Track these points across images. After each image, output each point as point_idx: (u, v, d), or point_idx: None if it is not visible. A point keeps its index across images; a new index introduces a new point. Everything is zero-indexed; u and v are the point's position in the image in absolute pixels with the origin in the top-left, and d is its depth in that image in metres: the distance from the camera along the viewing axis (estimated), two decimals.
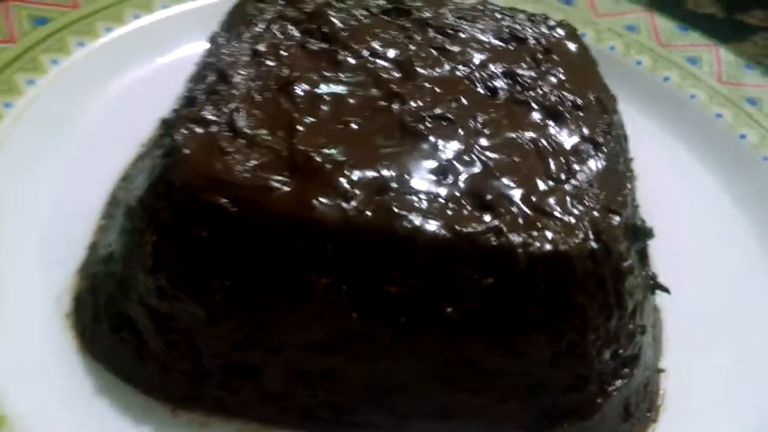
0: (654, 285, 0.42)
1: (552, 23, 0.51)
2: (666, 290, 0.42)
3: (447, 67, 0.45)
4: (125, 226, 0.38)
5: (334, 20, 0.46)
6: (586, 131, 0.42)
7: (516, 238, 0.35)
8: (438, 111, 0.41)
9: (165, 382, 0.38)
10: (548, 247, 0.35)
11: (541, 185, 0.38)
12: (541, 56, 0.47)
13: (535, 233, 0.35)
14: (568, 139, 0.41)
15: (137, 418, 0.37)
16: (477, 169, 0.38)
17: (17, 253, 0.44)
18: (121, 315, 0.38)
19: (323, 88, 0.41)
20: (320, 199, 0.35)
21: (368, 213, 0.35)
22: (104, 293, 0.39)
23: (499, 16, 0.50)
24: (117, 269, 0.38)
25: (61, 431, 0.36)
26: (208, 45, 0.49)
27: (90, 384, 0.38)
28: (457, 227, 0.35)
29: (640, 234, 0.40)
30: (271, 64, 0.42)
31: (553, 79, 0.45)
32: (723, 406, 0.42)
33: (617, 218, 0.37)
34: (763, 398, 0.43)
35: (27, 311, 0.41)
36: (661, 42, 0.68)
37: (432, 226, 0.35)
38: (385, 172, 0.37)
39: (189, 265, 0.35)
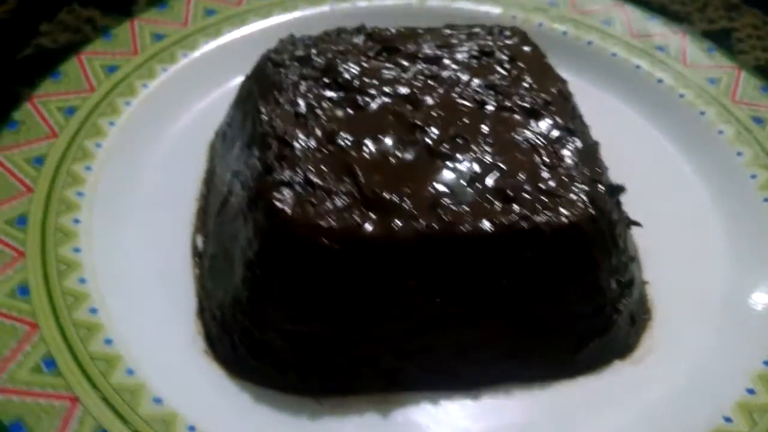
0: (629, 222, 0.56)
1: (507, 33, 0.63)
2: (638, 224, 0.57)
3: (441, 91, 0.57)
4: (246, 275, 0.49)
5: (343, 71, 0.57)
6: (560, 121, 0.55)
7: (540, 219, 0.48)
8: (452, 132, 0.53)
9: (305, 382, 0.50)
10: (564, 220, 0.48)
11: (543, 173, 0.51)
12: (508, 66, 0.59)
13: (551, 213, 0.48)
14: (549, 132, 0.54)
15: (291, 410, 0.49)
16: (494, 171, 0.51)
17: (140, 309, 0.54)
18: (257, 342, 0.49)
19: (361, 133, 0.53)
20: (396, 222, 0.47)
21: (434, 225, 0.47)
22: (237, 329, 0.50)
23: (464, 37, 0.62)
24: (247, 309, 0.49)
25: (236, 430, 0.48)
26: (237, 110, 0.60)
27: (246, 396, 0.49)
28: (496, 221, 0.48)
29: (615, 191, 0.53)
30: (313, 123, 0.53)
31: (524, 84, 0.58)
32: (695, 302, 0.57)
33: (601, 186, 0.51)
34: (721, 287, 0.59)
35: (172, 353, 0.51)
36: (578, 10, 0.82)
37: (480, 223, 0.47)
38: (432, 190, 0.49)
39: (311, 295, 0.47)
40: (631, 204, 0.58)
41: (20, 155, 0.60)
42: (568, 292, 0.50)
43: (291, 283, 0.47)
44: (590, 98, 0.75)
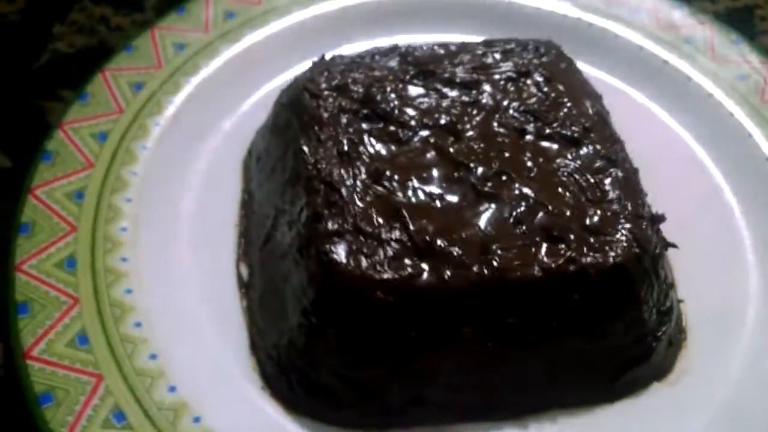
0: (665, 244, 0.58)
1: (542, 49, 0.62)
2: (674, 246, 0.58)
3: (481, 119, 0.57)
4: (302, 323, 0.50)
5: (382, 100, 0.57)
6: (600, 149, 0.55)
7: (586, 261, 0.49)
8: (495, 168, 0.53)
9: (362, 418, 0.52)
10: (609, 260, 0.49)
11: (586, 209, 0.52)
12: (546, 87, 0.59)
13: (597, 254, 0.49)
14: (590, 163, 0.54)
15: None
16: (539, 210, 0.51)
17: (194, 348, 0.55)
18: (314, 383, 0.51)
19: (406, 172, 0.53)
20: (448, 272, 0.48)
21: (484, 272, 0.48)
22: (294, 371, 0.52)
23: (499, 56, 0.61)
24: (304, 354, 0.51)
25: None
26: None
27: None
28: (545, 265, 0.49)
29: (656, 220, 0.54)
30: (357, 162, 0.53)
31: (563, 108, 0.58)
32: (727, 318, 0.59)
33: (644, 222, 0.52)
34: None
35: (233, 394, 0.53)
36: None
37: (529, 269, 0.49)
38: (480, 233, 0.50)
39: (367, 343, 0.49)
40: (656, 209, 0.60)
41: (60, 190, 0.60)
42: (612, 327, 0.51)
43: (347, 332, 0.49)
44: (617, 96, 0.75)
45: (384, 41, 0.77)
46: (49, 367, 0.50)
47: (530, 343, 0.50)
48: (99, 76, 0.69)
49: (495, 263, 0.48)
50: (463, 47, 0.62)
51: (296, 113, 0.58)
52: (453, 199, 0.52)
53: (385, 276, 0.48)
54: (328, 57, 0.63)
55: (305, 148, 0.54)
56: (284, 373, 0.52)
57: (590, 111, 0.58)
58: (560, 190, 0.53)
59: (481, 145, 0.55)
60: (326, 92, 0.58)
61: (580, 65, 0.75)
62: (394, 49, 0.62)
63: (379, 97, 0.57)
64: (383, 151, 0.54)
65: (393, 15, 0.79)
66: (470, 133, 0.56)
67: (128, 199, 0.62)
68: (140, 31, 0.74)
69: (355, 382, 0.50)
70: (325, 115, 0.56)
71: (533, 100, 0.58)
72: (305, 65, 0.74)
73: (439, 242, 0.49)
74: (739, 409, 0.54)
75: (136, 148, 0.65)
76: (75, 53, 0.80)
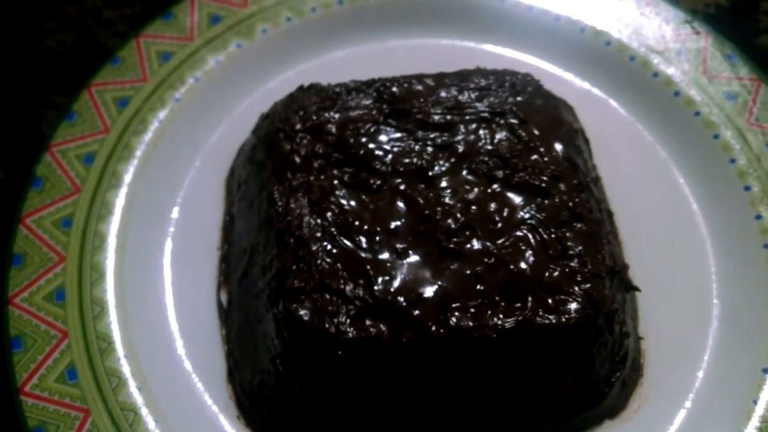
0: (628, 287, 0.59)
1: (518, 86, 0.62)
2: (637, 289, 0.60)
3: (451, 165, 0.58)
4: (271, 369, 0.54)
5: (355, 145, 0.58)
6: (566, 200, 0.56)
7: (541, 321, 0.51)
8: (461, 220, 0.55)
9: None
10: (563, 320, 0.52)
11: (547, 266, 0.53)
12: (519, 130, 0.59)
13: (551, 315, 0.52)
14: (555, 215, 0.56)
15: None
16: (500, 268, 0.53)
17: (175, 378, 0.59)
18: (286, 419, 0.56)
19: (374, 224, 0.55)
20: (406, 333, 0.51)
21: (441, 331, 0.51)
22: (267, 408, 0.56)
23: (475, 94, 0.61)
24: (273, 396, 0.55)
25: None
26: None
27: None
28: (499, 327, 0.51)
29: (618, 273, 0.56)
30: (327, 214, 0.55)
31: (534, 154, 0.58)
32: (684, 356, 0.61)
33: (602, 282, 0.53)
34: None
35: (207, 420, 0.57)
36: None
37: (484, 330, 0.51)
38: (440, 292, 0.52)
39: (331, 392, 0.52)
40: (630, 237, 0.64)
41: (48, 218, 0.63)
42: (564, 379, 0.54)
43: (312, 384, 0.52)
44: (602, 109, 0.75)
45: (374, 45, 0.77)
46: (41, 403, 0.55)
47: (485, 393, 0.53)
48: (85, 92, 0.70)
49: (452, 323, 0.51)
50: (440, 81, 0.62)
51: (271, 155, 0.59)
52: (417, 255, 0.54)
53: (347, 336, 0.50)
54: (306, 85, 0.64)
55: (277, 197, 0.56)
56: (256, 407, 0.57)
57: (560, 156, 0.58)
58: (522, 245, 0.54)
59: (450, 194, 0.56)
60: (300, 134, 0.59)
61: (567, 74, 0.76)
62: (371, 84, 0.62)
63: (352, 141, 0.58)
64: (353, 201, 0.56)
65: (383, 18, 0.78)
66: (440, 179, 0.57)
67: (114, 225, 0.64)
68: (126, 40, 0.74)
69: (321, 423, 0.54)
70: (298, 160, 0.57)
71: (505, 144, 0.59)
72: (291, 73, 0.75)
73: (399, 301, 0.51)
74: None
75: (122, 171, 0.67)
76: (65, 51, 0.81)
